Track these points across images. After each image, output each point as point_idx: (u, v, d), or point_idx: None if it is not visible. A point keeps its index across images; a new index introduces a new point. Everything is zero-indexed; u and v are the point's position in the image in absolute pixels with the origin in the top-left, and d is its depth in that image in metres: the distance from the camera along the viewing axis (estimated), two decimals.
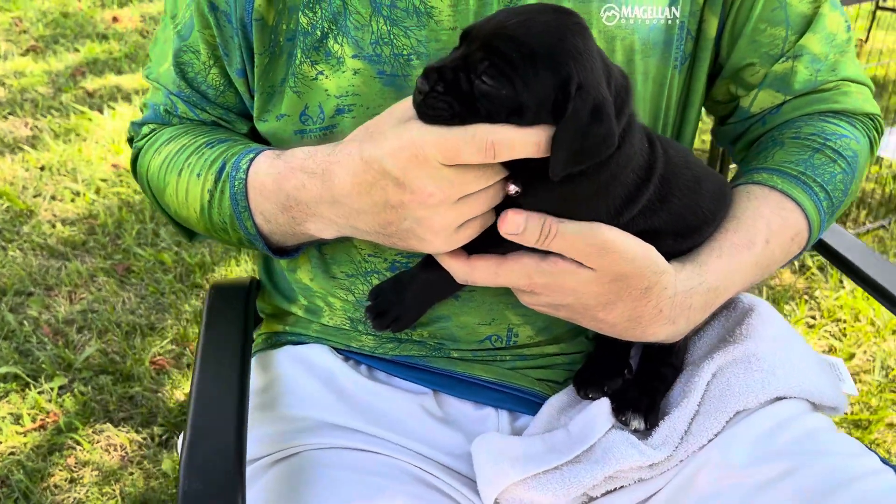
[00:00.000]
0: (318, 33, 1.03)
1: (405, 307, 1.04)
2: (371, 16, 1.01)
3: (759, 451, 0.98)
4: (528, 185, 0.89)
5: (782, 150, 1.14)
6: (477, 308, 1.08)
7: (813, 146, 1.12)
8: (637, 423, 1.02)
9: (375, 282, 1.10)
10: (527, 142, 0.83)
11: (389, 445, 1.05)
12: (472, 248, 0.94)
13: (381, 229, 0.92)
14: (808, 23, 1.14)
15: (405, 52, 1.01)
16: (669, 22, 1.08)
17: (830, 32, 1.15)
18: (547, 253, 0.91)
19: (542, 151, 0.84)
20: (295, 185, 0.97)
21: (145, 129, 1.20)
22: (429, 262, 1.00)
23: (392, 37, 1.01)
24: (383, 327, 1.04)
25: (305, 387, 1.11)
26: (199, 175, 1.07)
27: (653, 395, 1.05)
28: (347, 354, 1.15)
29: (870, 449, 1.03)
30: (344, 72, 1.03)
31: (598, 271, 0.91)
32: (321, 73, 1.04)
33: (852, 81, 1.18)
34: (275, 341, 1.22)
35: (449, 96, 0.84)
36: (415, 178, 0.86)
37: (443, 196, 0.86)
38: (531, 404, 1.10)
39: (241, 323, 1.17)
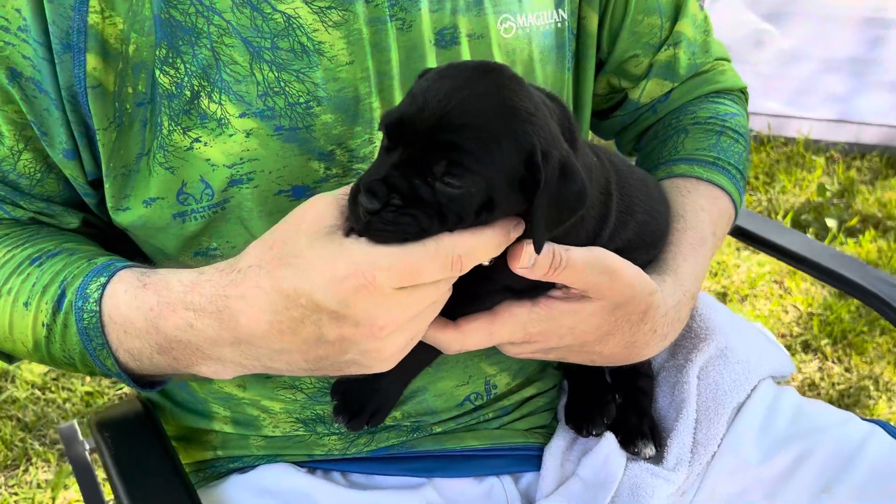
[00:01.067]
0: (188, 93, 0.85)
1: (383, 395, 0.89)
2: (252, 63, 0.85)
3: (765, 443, 1.00)
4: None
5: (689, 138, 1.13)
6: (452, 369, 0.97)
7: (715, 129, 1.13)
8: (649, 450, 0.98)
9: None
10: (494, 244, 0.75)
11: None
12: (450, 309, 0.81)
13: (312, 365, 0.77)
14: (677, 9, 1.16)
15: (302, 100, 0.86)
16: (559, 25, 1.03)
17: (693, 14, 1.17)
18: (535, 299, 0.84)
19: (508, 243, 0.77)
20: (176, 326, 0.78)
21: None
22: None
23: (282, 84, 0.86)
24: (361, 426, 0.88)
25: None
26: (26, 304, 0.85)
27: (647, 413, 1.03)
28: (312, 466, 0.99)
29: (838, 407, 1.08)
30: (231, 135, 0.86)
31: (602, 301, 0.85)
32: (197, 139, 0.86)
33: (722, 59, 1.22)
34: (210, 473, 1.02)
35: (413, 209, 0.71)
36: (361, 311, 0.71)
37: (396, 324, 0.73)
38: (530, 460, 1.02)
39: (170, 467, 0.93)
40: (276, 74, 0.85)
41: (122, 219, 0.90)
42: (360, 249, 0.71)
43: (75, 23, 0.83)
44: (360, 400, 0.87)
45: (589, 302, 0.85)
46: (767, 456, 0.99)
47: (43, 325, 0.85)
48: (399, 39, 0.90)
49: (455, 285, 0.77)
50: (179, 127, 0.85)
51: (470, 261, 0.73)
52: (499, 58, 0.94)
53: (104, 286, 0.83)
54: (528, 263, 0.77)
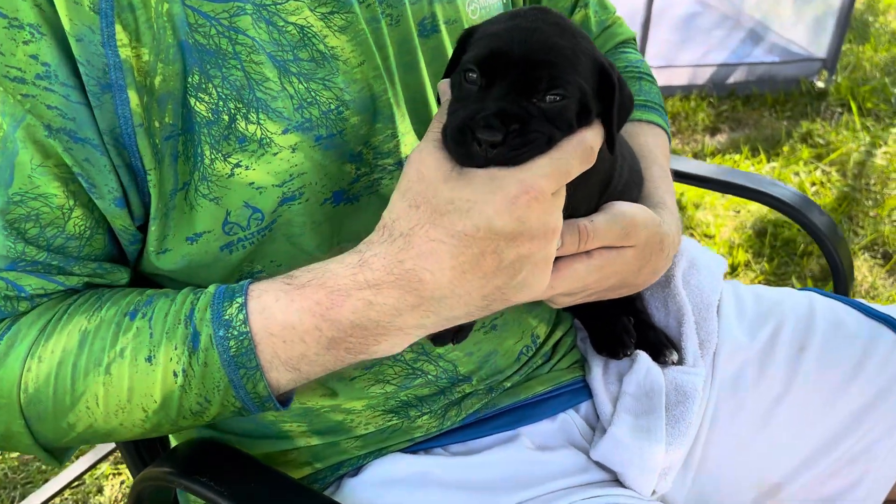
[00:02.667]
0: (225, 118, 0.80)
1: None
2: (281, 78, 0.82)
3: (745, 326, 1.11)
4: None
5: None
6: (511, 328, 1.00)
7: (634, 76, 1.20)
8: (675, 357, 1.06)
9: (409, 356, 0.94)
10: (600, 132, 0.80)
11: (543, 498, 0.93)
12: None
13: (488, 301, 0.76)
14: None
15: (333, 106, 0.84)
16: (504, 1, 1.06)
17: None
18: (589, 252, 0.88)
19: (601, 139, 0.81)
20: (354, 309, 0.75)
21: None
22: None
23: (313, 94, 0.83)
24: (447, 342, 0.89)
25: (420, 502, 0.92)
26: (149, 359, 0.78)
27: (657, 327, 1.10)
28: (415, 449, 0.97)
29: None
30: (276, 153, 0.81)
31: (636, 246, 0.91)
32: (238, 164, 0.81)
33: (614, 13, 1.28)
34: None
35: (534, 126, 0.75)
36: (536, 222, 0.73)
37: (559, 222, 0.76)
38: (580, 392, 1.06)
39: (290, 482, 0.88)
40: (306, 85, 0.82)
41: (162, 262, 0.84)
42: (509, 172, 0.73)
43: (110, 59, 0.75)
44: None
45: (627, 248, 0.91)
46: (751, 336, 1.10)
47: (175, 374, 0.77)
48: (391, 35, 0.89)
49: None
50: (220, 154, 0.80)
51: (595, 149, 0.78)
52: None
53: (244, 305, 0.77)
54: (557, 245, 0.80)
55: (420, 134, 0.90)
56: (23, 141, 0.76)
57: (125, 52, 0.76)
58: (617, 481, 0.99)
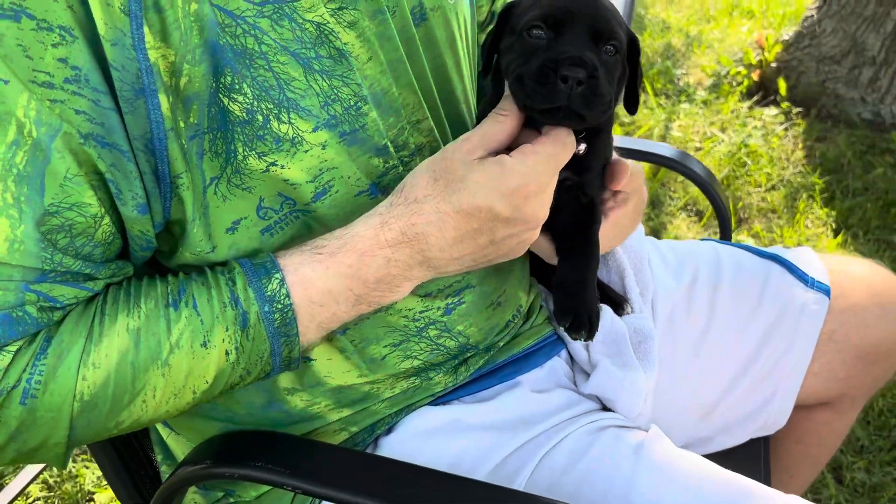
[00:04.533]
0: (259, 118, 0.79)
1: (591, 303, 0.95)
2: (306, 76, 0.81)
3: (670, 273, 1.24)
4: (589, 141, 0.94)
5: None
6: (509, 303, 1.06)
7: None
8: (629, 308, 1.15)
9: (433, 333, 0.98)
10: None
11: (550, 431, 0.99)
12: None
13: (476, 263, 0.87)
14: None
15: (352, 102, 0.84)
16: None
17: None
18: (607, 216, 1.02)
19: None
20: (378, 266, 0.83)
21: (5, 358, 0.74)
22: (564, 255, 0.97)
23: (335, 91, 0.83)
24: (594, 333, 0.94)
25: (457, 449, 0.96)
26: (205, 344, 0.79)
27: (607, 286, 1.18)
28: (438, 402, 1.01)
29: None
30: (307, 151, 0.82)
31: (634, 196, 1.06)
32: (273, 164, 0.81)
33: None
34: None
35: (602, 76, 0.83)
36: (530, 211, 0.84)
37: (547, 209, 0.87)
38: (556, 342, 1.12)
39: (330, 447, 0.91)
40: (329, 82, 0.83)
41: (217, 257, 0.84)
42: (518, 163, 0.82)
43: (141, 63, 0.72)
44: (587, 314, 0.93)
45: (630, 200, 1.04)
46: (676, 280, 1.23)
47: (227, 353, 0.80)
48: (394, 26, 0.89)
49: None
50: (254, 152, 0.80)
51: (573, 139, 0.87)
52: (455, 23, 0.97)
53: (283, 281, 0.81)
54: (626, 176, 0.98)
55: (432, 121, 0.94)
56: (60, 151, 0.72)
57: (154, 55, 0.73)
58: (604, 409, 1.08)
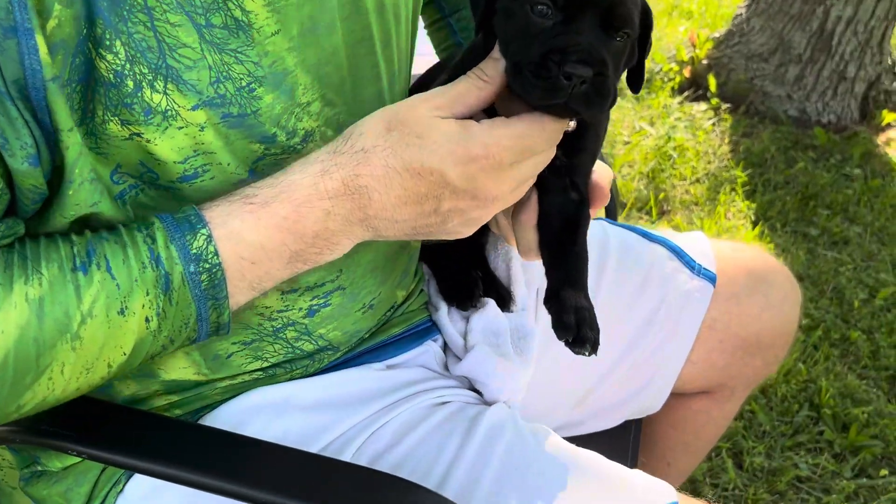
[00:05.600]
0: (130, 84, 0.68)
1: (591, 314, 0.84)
2: (202, 45, 0.70)
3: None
4: (583, 121, 0.82)
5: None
6: (383, 304, 0.97)
7: None
8: (515, 307, 1.09)
9: (291, 335, 0.88)
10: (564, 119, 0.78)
11: (395, 405, 0.94)
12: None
13: (415, 232, 0.78)
14: None
15: (244, 83, 0.74)
16: None
17: None
18: None
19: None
20: (316, 219, 0.73)
21: None
22: (554, 262, 0.85)
23: (227, 67, 0.72)
24: (597, 347, 0.82)
25: (280, 429, 0.88)
26: (122, 312, 0.69)
27: (497, 278, 1.11)
28: (283, 385, 0.91)
29: None
30: (181, 128, 0.72)
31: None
32: (139, 135, 0.70)
33: None
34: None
35: (609, 72, 0.72)
36: (482, 185, 0.74)
37: (503, 194, 0.76)
38: (429, 330, 1.05)
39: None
40: (220, 57, 0.72)
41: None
42: (485, 132, 0.73)
43: None
44: (589, 327, 0.81)
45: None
46: None
47: (148, 320, 0.70)
48: None
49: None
50: (117, 118, 0.69)
51: (559, 136, 0.77)
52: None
53: (210, 237, 0.71)
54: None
55: (329, 104, 0.82)
56: None
57: None
58: (470, 389, 1.02)
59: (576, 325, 0.80)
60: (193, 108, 0.72)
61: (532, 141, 0.75)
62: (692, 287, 1.18)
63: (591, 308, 0.82)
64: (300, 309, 0.88)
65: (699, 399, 1.26)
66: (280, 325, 0.88)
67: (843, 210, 2.79)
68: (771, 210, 2.78)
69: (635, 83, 0.85)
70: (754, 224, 2.72)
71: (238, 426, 0.87)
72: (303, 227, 0.73)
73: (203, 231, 0.71)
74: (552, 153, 0.79)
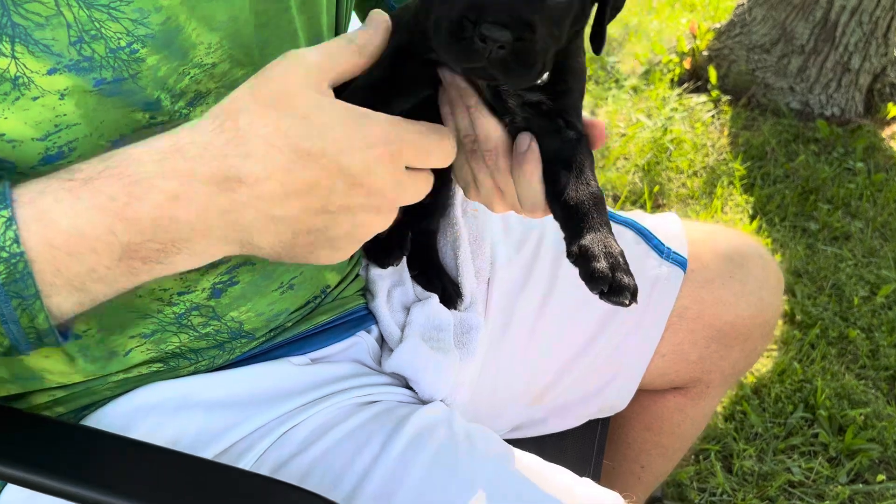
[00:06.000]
0: None
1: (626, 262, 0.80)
2: (56, 0, 0.60)
3: (512, 241, 1.07)
4: (556, 62, 0.71)
5: None
6: (307, 285, 0.87)
7: None
8: (460, 305, 0.99)
9: (197, 321, 0.78)
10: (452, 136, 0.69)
11: (312, 404, 0.83)
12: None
13: (296, 239, 0.63)
14: None
15: (124, 43, 0.63)
16: None
17: None
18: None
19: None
20: (157, 204, 0.58)
21: None
22: (567, 212, 0.74)
23: (97, 25, 0.62)
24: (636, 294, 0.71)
25: (174, 430, 0.77)
26: None
27: (443, 270, 1.02)
28: (184, 380, 0.80)
29: None
30: (36, 98, 0.62)
31: None
32: None
33: None
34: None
35: (535, 35, 0.62)
36: (379, 180, 0.62)
37: (394, 203, 0.65)
38: (364, 319, 0.95)
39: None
40: (88, 13, 0.61)
41: None
42: (388, 120, 0.62)
43: None
44: (623, 272, 0.69)
45: None
46: (517, 251, 1.07)
47: None
48: None
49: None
50: None
51: (452, 156, 0.68)
52: None
53: (12, 219, 0.56)
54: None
55: (238, 65, 0.72)
56: None
57: None
58: (405, 387, 0.91)
59: (610, 272, 0.68)
60: (50, 73, 0.61)
61: (433, 146, 0.65)
62: (660, 273, 1.07)
63: (621, 252, 0.71)
64: (203, 289, 0.78)
65: (672, 396, 1.14)
66: (183, 311, 0.77)
67: (845, 205, 2.66)
68: (770, 204, 2.65)
69: (596, 43, 0.75)
70: (752, 218, 2.59)
71: (125, 427, 0.75)
72: (137, 211, 0.57)
73: (3, 213, 0.57)
74: (431, 182, 0.68)
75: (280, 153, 0.59)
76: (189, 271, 0.71)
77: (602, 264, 0.68)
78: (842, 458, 1.79)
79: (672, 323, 1.07)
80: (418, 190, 0.66)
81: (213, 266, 0.77)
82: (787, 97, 3.21)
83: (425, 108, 0.74)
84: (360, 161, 0.60)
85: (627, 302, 0.68)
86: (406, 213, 1.03)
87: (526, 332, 1.04)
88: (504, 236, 1.08)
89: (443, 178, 1.02)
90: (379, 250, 0.97)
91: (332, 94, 0.63)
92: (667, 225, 1.12)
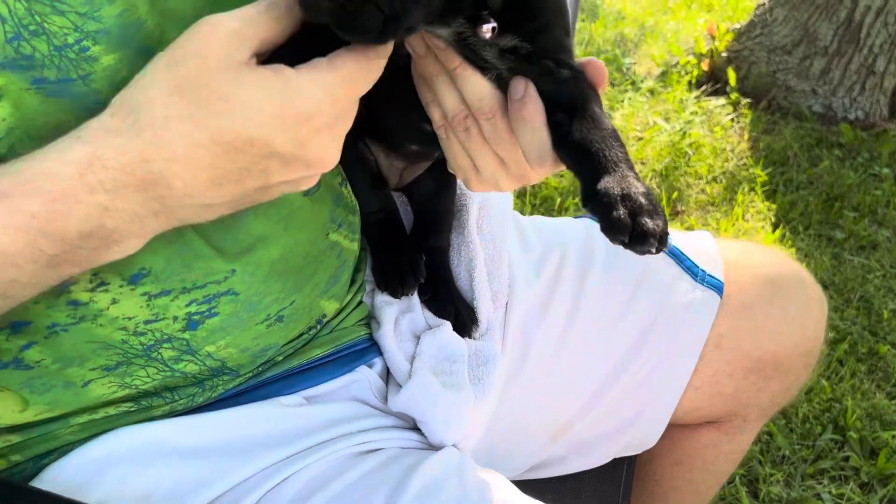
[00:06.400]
0: None
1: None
2: None
3: (532, 262, 0.98)
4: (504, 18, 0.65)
5: None
6: (300, 317, 0.78)
7: None
8: (475, 332, 0.90)
9: (168, 354, 0.68)
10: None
11: (305, 453, 0.74)
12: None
13: (235, 209, 0.61)
14: None
15: (71, 40, 0.57)
16: None
17: None
18: None
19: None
20: (86, 217, 0.54)
21: None
22: (579, 156, 0.65)
23: (37, 19, 0.56)
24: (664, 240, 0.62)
25: (145, 482, 0.68)
26: None
27: (457, 293, 0.92)
28: (158, 423, 0.71)
29: None
30: None
31: None
32: None
33: None
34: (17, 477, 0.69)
35: None
36: (316, 149, 0.58)
37: (336, 153, 0.61)
38: (370, 349, 0.86)
39: None
40: (27, 6, 0.55)
41: None
42: (310, 82, 0.56)
43: None
44: (646, 215, 0.60)
45: None
46: (537, 273, 0.98)
47: None
48: None
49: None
50: None
51: (383, 63, 0.61)
52: None
53: None
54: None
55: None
56: None
57: None
58: (412, 429, 0.81)
59: (630, 219, 0.59)
60: None
61: (361, 84, 0.59)
62: (694, 298, 0.96)
63: (646, 190, 0.61)
64: (175, 318, 0.68)
65: (705, 431, 1.04)
66: (151, 342, 0.67)
67: (871, 212, 2.54)
68: (793, 211, 2.53)
69: None
70: (774, 226, 2.48)
71: (90, 480, 0.66)
72: (63, 227, 0.53)
73: None
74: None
75: (204, 149, 0.55)
76: (156, 295, 0.66)
77: (620, 211, 0.59)
78: (874, 484, 1.68)
79: (707, 352, 0.96)
80: (350, 123, 0.62)
81: (184, 290, 0.67)
82: (809, 100, 3.09)
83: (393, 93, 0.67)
84: (291, 139, 0.57)
85: (654, 250, 0.59)
86: (413, 230, 0.94)
87: (547, 362, 0.94)
88: (523, 255, 0.98)
89: (443, 183, 0.92)
90: (391, 277, 0.88)
91: (253, 62, 0.56)
92: (700, 244, 1.01)
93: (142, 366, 0.68)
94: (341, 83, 0.57)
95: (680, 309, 0.95)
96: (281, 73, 0.56)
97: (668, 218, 2.50)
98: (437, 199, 0.92)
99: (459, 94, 0.68)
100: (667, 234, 0.59)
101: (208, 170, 0.55)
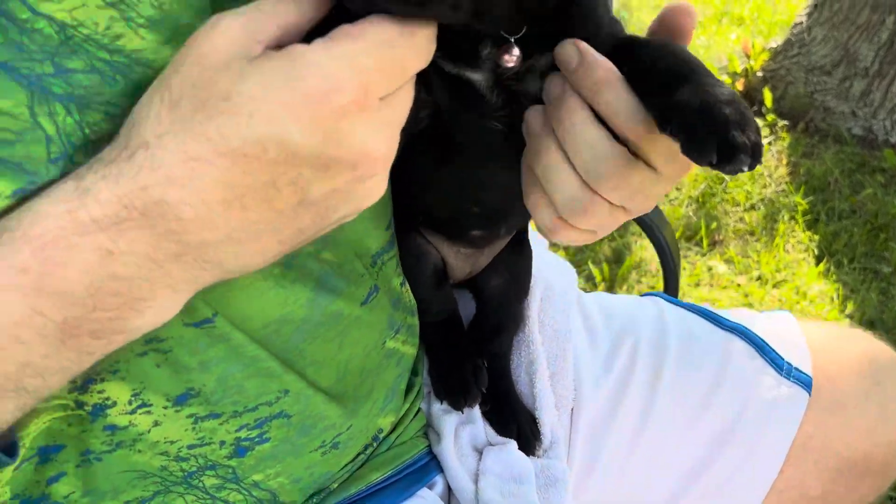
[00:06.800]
0: None
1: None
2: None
3: (600, 356, 0.88)
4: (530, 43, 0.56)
5: None
6: (356, 439, 0.70)
7: None
8: (539, 449, 0.80)
9: (211, 483, 0.60)
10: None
11: None
12: None
13: (289, 246, 0.49)
14: None
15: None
16: None
17: None
18: None
19: None
20: (87, 267, 0.44)
21: None
22: (656, 87, 0.53)
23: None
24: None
25: None
26: None
27: (520, 407, 0.82)
28: None
29: None
30: None
31: None
32: None
33: None
34: None
35: None
36: (357, 142, 0.45)
37: (388, 149, 0.48)
38: (428, 465, 0.78)
39: None
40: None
41: None
42: (322, 54, 0.44)
43: None
44: (736, 127, 0.50)
45: None
46: (606, 369, 0.88)
47: None
48: None
49: None
50: None
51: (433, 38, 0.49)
52: None
53: None
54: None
55: None
56: None
57: None
58: None
59: (713, 132, 0.49)
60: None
61: (402, 51, 0.46)
62: (780, 395, 0.86)
63: (730, 98, 0.51)
64: (222, 443, 0.59)
65: None
66: (194, 469, 0.59)
67: None
68: (836, 242, 2.42)
69: None
70: (818, 259, 2.37)
71: None
72: (62, 282, 0.43)
73: None
74: (413, 88, 0.49)
75: (206, 163, 0.43)
76: (203, 417, 0.56)
77: (703, 131, 0.49)
78: None
79: (792, 454, 0.86)
80: (406, 108, 0.49)
81: (234, 414, 0.58)
82: (848, 122, 2.97)
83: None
84: (310, 129, 0.44)
85: (746, 167, 0.48)
86: (474, 328, 0.84)
87: (616, 470, 0.84)
88: (590, 349, 0.88)
89: (517, 272, 0.83)
90: (452, 386, 0.78)
91: (254, 55, 0.45)
92: (782, 329, 0.91)
93: (180, 493, 0.59)
94: (368, 51, 0.45)
95: (764, 408, 0.85)
96: (288, 53, 0.44)
97: (706, 249, 2.39)
98: (510, 292, 0.83)
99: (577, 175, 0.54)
100: (760, 146, 0.49)
101: (218, 189, 0.44)
